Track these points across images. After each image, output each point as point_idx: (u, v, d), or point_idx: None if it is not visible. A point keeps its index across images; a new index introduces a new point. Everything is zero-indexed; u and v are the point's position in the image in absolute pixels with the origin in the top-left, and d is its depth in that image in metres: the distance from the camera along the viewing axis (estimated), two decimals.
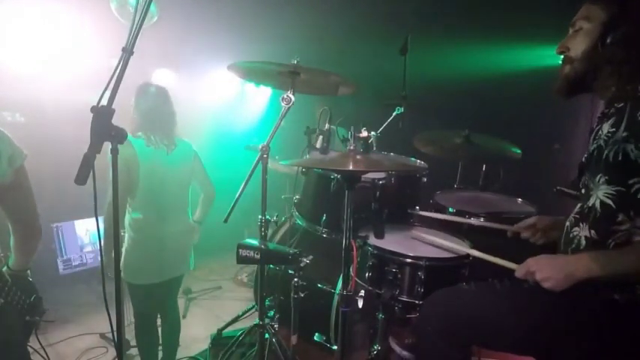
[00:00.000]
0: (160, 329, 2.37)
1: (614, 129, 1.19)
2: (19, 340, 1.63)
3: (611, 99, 1.27)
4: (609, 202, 1.18)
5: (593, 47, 1.26)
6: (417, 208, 2.12)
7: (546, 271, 1.19)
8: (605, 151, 1.19)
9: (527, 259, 1.30)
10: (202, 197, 2.38)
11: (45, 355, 1.84)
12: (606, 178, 1.19)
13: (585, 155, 1.32)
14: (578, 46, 1.29)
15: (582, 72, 1.30)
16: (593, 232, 1.23)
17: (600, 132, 1.24)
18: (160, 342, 2.37)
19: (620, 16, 1.22)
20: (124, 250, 2.14)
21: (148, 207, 2.11)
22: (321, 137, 1.87)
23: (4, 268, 1.65)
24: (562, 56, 1.35)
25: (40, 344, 1.82)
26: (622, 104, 1.21)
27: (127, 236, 2.16)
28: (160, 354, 2.38)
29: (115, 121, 1.04)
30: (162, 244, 2.16)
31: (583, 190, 1.31)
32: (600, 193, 1.20)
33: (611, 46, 1.23)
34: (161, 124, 2.16)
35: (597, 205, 1.21)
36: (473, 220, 1.91)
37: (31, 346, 1.74)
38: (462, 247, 1.71)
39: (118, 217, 1.15)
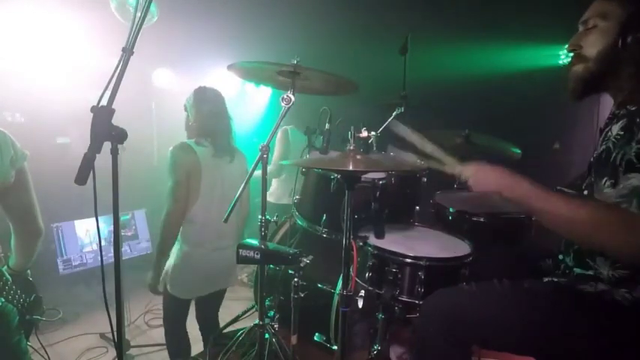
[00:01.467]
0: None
1: (623, 132, 1.15)
2: (20, 339, 1.63)
3: (623, 100, 1.24)
4: None
5: (611, 46, 1.20)
6: (417, 208, 2.13)
7: (484, 174, 1.22)
8: (613, 154, 1.15)
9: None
10: (236, 216, 2.26)
11: (45, 355, 1.85)
12: (612, 182, 1.16)
13: (594, 155, 1.29)
14: (593, 44, 1.24)
15: (599, 72, 1.24)
16: None
17: (610, 133, 1.20)
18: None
19: None
20: (172, 263, 2.10)
21: (201, 218, 2.07)
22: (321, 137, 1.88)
23: (4, 268, 1.65)
24: (572, 54, 1.29)
25: (41, 344, 1.83)
26: (635, 108, 1.17)
27: (177, 248, 2.11)
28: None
29: (115, 121, 1.04)
30: (213, 257, 2.13)
31: (586, 191, 1.29)
32: (606, 197, 1.18)
33: (634, 46, 1.17)
34: (223, 129, 2.13)
35: None
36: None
37: (31, 346, 1.74)
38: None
39: (118, 218, 1.14)
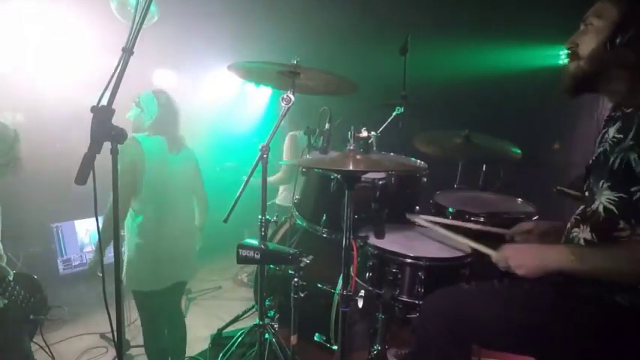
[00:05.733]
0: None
1: (620, 135, 1.17)
2: (23, 338, 1.63)
3: (619, 102, 1.25)
4: (612, 207, 1.17)
5: (601, 47, 1.21)
6: (417, 208, 2.12)
7: (520, 258, 1.21)
8: (611, 158, 1.17)
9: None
10: (197, 207, 2.35)
11: (49, 353, 1.85)
12: (609, 184, 1.18)
13: (592, 158, 1.30)
14: (587, 43, 1.25)
15: (589, 72, 1.25)
16: (593, 235, 1.22)
17: (606, 135, 1.22)
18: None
19: (632, 16, 1.18)
20: (126, 255, 2.11)
21: (152, 209, 2.09)
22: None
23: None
24: (568, 52, 1.30)
25: (45, 342, 1.84)
26: (631, 110, 1.18)
27: (130, 241, 2.12)
28: None
29: (115, 121, 1.04)
30: (166, 247, 2.13)
31: (587, 193, 1.29)
32: (603, 199, 1.19)
33: (621, 48, 1.18)
34: (170, 126, 2.15)
35: (601, 209, 1.19)
36: (470, 225, 1.89)
37: (36, 343, 1.75)
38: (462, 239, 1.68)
39: (118, 219, 1.15)
